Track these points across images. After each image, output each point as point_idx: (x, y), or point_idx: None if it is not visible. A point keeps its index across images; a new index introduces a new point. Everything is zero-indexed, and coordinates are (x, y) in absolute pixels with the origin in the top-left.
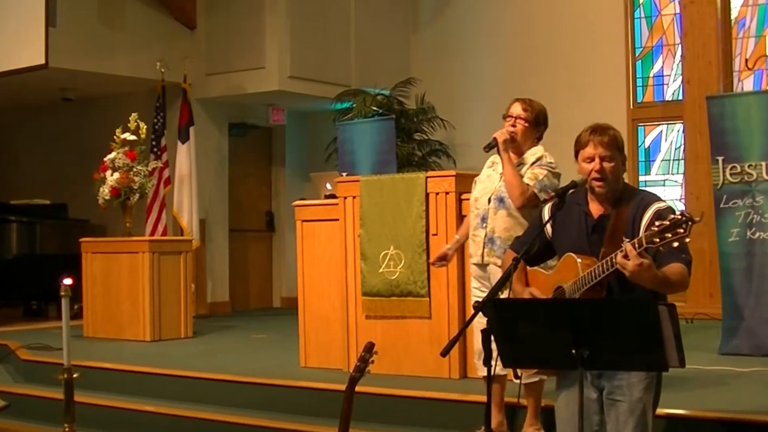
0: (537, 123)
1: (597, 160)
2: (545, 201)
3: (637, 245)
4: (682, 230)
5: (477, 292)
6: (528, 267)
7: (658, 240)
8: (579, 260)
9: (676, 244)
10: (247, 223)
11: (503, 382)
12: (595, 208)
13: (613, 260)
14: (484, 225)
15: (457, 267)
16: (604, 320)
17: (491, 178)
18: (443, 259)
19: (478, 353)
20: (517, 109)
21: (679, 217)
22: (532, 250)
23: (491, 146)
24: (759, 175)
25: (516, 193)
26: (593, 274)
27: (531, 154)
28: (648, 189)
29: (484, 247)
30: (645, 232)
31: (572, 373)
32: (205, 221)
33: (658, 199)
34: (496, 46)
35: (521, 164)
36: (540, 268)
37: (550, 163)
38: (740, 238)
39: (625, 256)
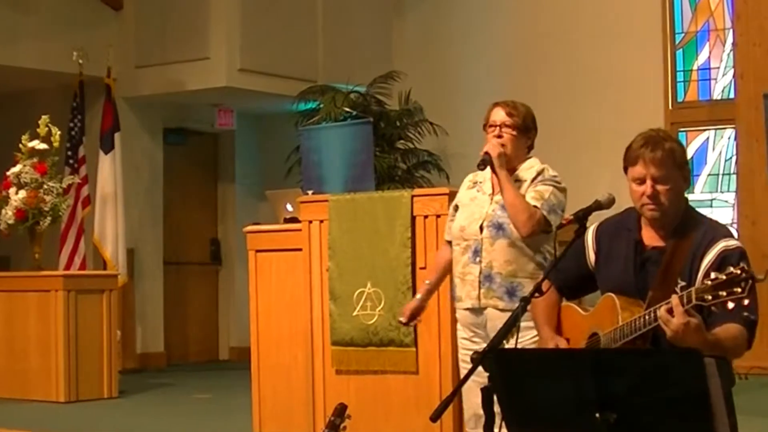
0: (526, 129)
1: (648, 182)
2: (561, 226)
3: (685, 300)
4: (739, 289)
5: (467, 343)
6: (564, 300)
7: (710, 297)
8: (619, 305)
9: (731, 306)
10: (187, 253)
11: None
12: (649, 237)
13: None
14: (478, 259)
15: (450, 310)
16: (633, 376)
17: (477, 201)
18: (418, 314)
19: (473, 419)
20: (500, 115)
21: (738, 272)
22: (539, 288)
23: (485, 163)
24: None
25: (522, 219)
26: (634, 325)
27: (527, 169)
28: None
29: (480, 287)
30: (703, 280)
31: None
32: (134, 251)
33: (728, 233)
34: (500, 33)
35: (517, 182)
36: (577, 306)
37: (554, 176)
38: None
39: (670, 311)
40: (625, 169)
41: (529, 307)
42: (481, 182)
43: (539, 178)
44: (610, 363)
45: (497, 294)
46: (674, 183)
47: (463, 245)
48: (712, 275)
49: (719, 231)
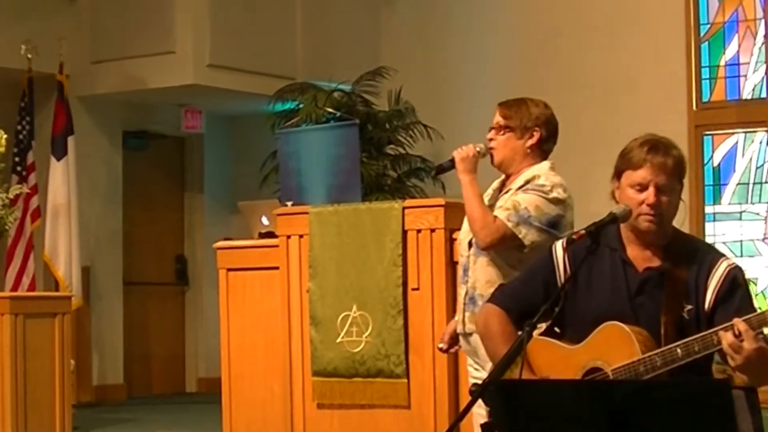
0: (523, 128)
1: (652, 189)
2: (572, 241)
3: (756, 324)
4: None
5: (471, 371)
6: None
7: None
8: (633, 335)
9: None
10: (150, 272)
11: None
12: (638, 256)
13: (713, 340)
14: (466, 279)
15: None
16: (653, 410)
17: None
18: (454, 341)
19: None
20: (495, 116)
21: None
22: (553, 310)
23: (443, 169)
24: None
25: (475, 228)
26: (670, 356)
27: (524, 176)
28: (717, 226)
29: (464, 311)
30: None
31: None
32: (89, 270)
33: (722, 254)
34: (503, 25)
35: (509, 190)
36: (553, 339)
37: (542, 186)
38: None
39: (737, 336)
40: (619, 174)
41: (472, 341)
42: (496, 188)
43: (525, 185)
44: (630, 396)
45: None
46: (675, 196)
47: (461, 261)
48: None
49: (714, 253)
